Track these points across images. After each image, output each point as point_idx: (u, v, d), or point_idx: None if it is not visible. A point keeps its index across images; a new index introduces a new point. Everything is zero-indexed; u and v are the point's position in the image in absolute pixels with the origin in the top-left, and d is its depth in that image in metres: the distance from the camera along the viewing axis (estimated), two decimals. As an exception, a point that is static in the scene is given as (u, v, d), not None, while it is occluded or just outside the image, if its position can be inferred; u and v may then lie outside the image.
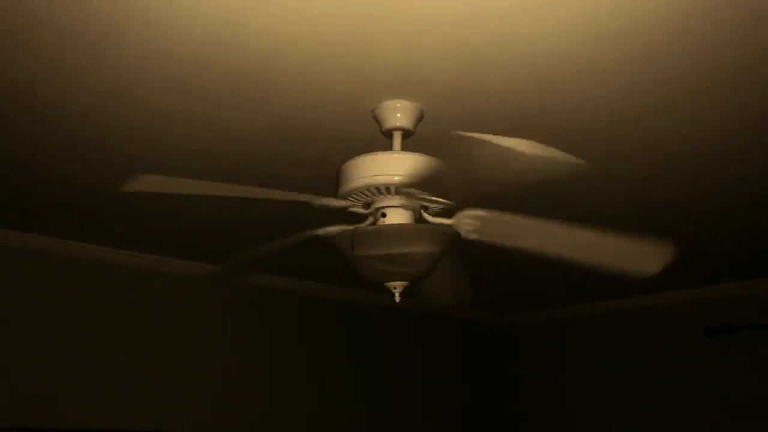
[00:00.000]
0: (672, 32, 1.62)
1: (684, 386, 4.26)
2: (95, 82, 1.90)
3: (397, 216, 1.87)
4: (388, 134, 2.00)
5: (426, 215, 1.93)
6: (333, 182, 1.95)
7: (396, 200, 1.87)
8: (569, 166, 1.47)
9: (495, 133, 2.10)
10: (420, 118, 2.01)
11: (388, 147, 1.97)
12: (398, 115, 1.96)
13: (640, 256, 1.95)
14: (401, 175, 1.81)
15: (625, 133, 2.16)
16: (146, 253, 3.72)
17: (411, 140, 2.04)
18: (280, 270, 4.07)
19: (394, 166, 1.82)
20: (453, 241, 1.85)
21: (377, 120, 2.01)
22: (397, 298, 1.87)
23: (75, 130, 2.21)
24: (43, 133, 2.24)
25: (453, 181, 1.68)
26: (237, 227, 3.19)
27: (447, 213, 1.93)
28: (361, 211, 1.95)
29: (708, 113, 2.03)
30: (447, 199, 1.83)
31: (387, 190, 1.83)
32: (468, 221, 1.88)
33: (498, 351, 5.34)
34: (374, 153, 1.84)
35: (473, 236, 1.90)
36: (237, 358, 3.98)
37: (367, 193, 1.85)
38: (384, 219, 1.87)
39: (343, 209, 1.93)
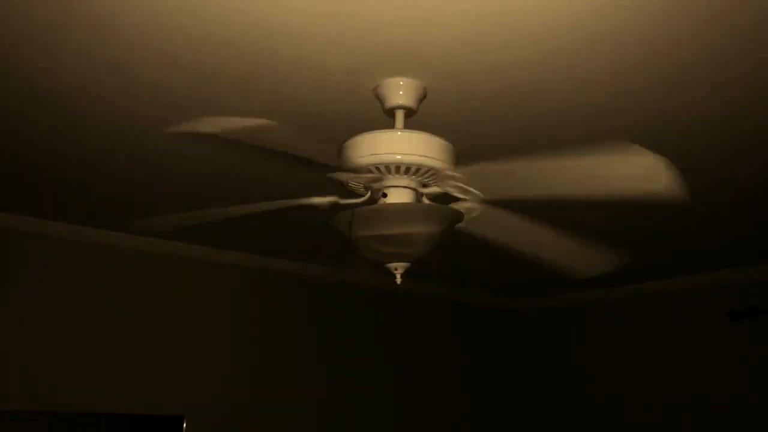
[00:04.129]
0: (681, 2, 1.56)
1: (707, 371, 4.18)
2: (95, 60, 1.88)
3: (398, 196, 1.83)
4: (390, 113, 1.96)
5: (423, 199, 1.90)
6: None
7: (398, 180, 1.83)
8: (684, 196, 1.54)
9: (498, 108, 2.07)
10: (423, 97, 1.97)
11: (391, 127, 1.93)
12: (400, 93, 1.92)
13: (590, 258, 2.18)
14: (404, 153, 1.77)
15: (636, 106, 2.09)
16: (151, 237, 3.72)
17: (413, 119, 2.00)
18: (292, 255, 4.07)
19: (396, 144, 1.79)
20: (456, 221, 1.81)
21: (379, 99, 1.97)
22: (399, 280, 1.84)
23: (73, 108, 2.19)
24: (40, 111, 2.23)
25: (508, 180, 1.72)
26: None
27: (443, 200, 1.90)
28: (362, 191, 1.91)
29: (725, 84, 1.96)
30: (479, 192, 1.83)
31: (388, 168, 1.79)
32: (455, 184, 1.85)
33: (515, 336, 5.30)
34: (376, 131, 1.81)
35: (467, 197, 1.89)
36: (252, 344, 3.99)
37: (368, 171, 1.81)
38: (385, 199, 1.83)
39: (341, 183, 1.90)
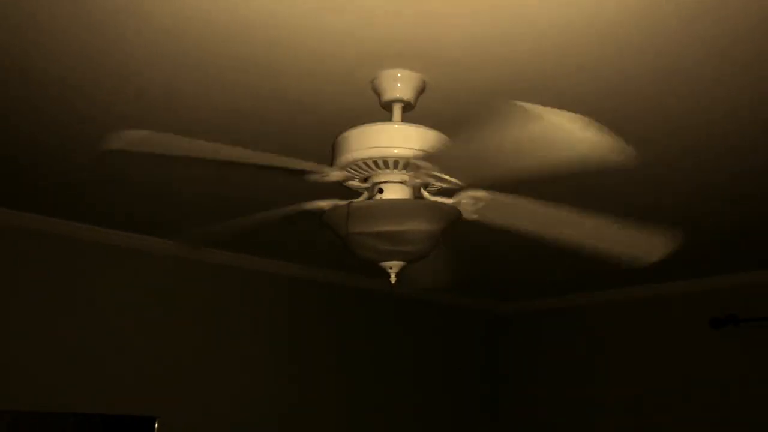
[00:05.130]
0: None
1: (688, 378, 4.17)
2: (93, 54, 1.80)
3: (395, 191, 1.76)
4: (388, 107, 1.89)
5: (425, 193, 1.82)
6: (329, 156, 1.84)
7: (395, 175, 1.76)
8: (620, 155, 1.34)
9: (505, 101, 2.00)
10: (421, 90, 1.89)
11: (388, 120, 1.86)
12: (398, 85, 1.85)
13: (643, 243, 1.94)
14: (400, 147, 1.70)
15: (643, 107, 2.04)
16: (149, 235, 3.62)
17: (411, 114, 1.93)
18: (287, 256, 4.00)
19: (393, 138, 1.71)
20: (454, 220, 1.74)
21: (376, 91, 1.90)
22: (393, 279, 1.77)
23: (67, 101, 2.11)
24: (35, 105, 2.14)
25: (464, 160, 1.57)
26: (231, 209, 3.08)
27: (447, 192, 1.82)
28: (358, 185, 1.84)
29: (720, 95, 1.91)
30: (453, 178, 1.71)
31: (385, 163, 1.72)
32: (470, 202, 1.77)
33: (500, 339, 5.25)
34: (373, 123, 1.73)
35: (474, 217, 1.80)
36: (228, 345, 3.89)
37: (363, 166, 1.74)
38: (381, 195, 1.76)
39: (338, 183, 1.82)
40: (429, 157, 1.66)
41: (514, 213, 1.83)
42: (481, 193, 1.78)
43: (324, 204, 1.79)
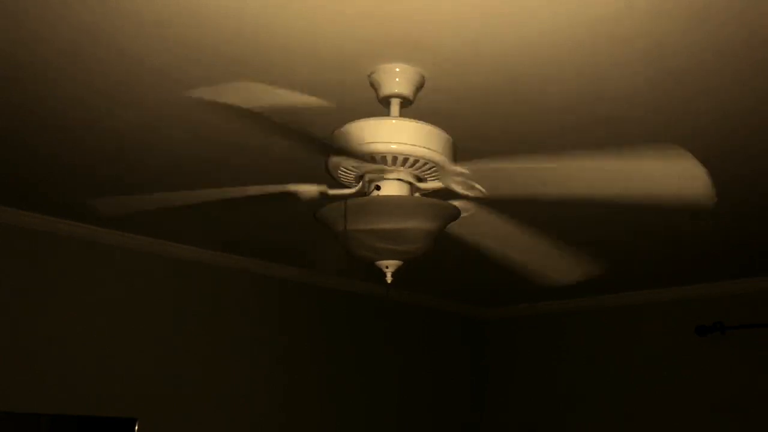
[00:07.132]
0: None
1: (674, 385, 4.17)
2: (86, 52, 1.73)
3: (392, 188, 1.71)
4: (386, 102, 1.84)
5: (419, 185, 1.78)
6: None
7: (392, 171, 1.71)
8: None
9: (501, 103, 1.96)
10: (420, 85, 1.85)
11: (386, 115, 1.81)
12: (396, 80, 1.80)
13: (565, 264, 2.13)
14: (399, 143, 1.65)
15: (644, 111, 2.01)
16: (135, 234, 3.55)
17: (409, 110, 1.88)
18: (275, 258, 3.94)
19: (391, 132, 1.67)
20: (453, 218, 1.70)
21: (374, 86, 1.85)
22: (389, 278, 1.72)
23: (56, 97, 2.05)
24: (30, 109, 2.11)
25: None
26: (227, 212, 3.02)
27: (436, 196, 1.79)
28: (351, 182, 1.78)
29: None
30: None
31: (383, 159, 1.67)
32: (456, 179, 1.72)
33: (483, 344, 5.23)
34: (370, 118, 1.69)
35: (468, 193, 1.74)
36: (209, 345, 3.82)
37: (360, 162, 1.69)
38: (378, 192, 1.71)
39: (332, 178, 1.77)
40: (478, 165, 1.67)
41: (505, 176, 1.76)
42: (469, 205, 1.78)
43: (310, 189, 1.74)
